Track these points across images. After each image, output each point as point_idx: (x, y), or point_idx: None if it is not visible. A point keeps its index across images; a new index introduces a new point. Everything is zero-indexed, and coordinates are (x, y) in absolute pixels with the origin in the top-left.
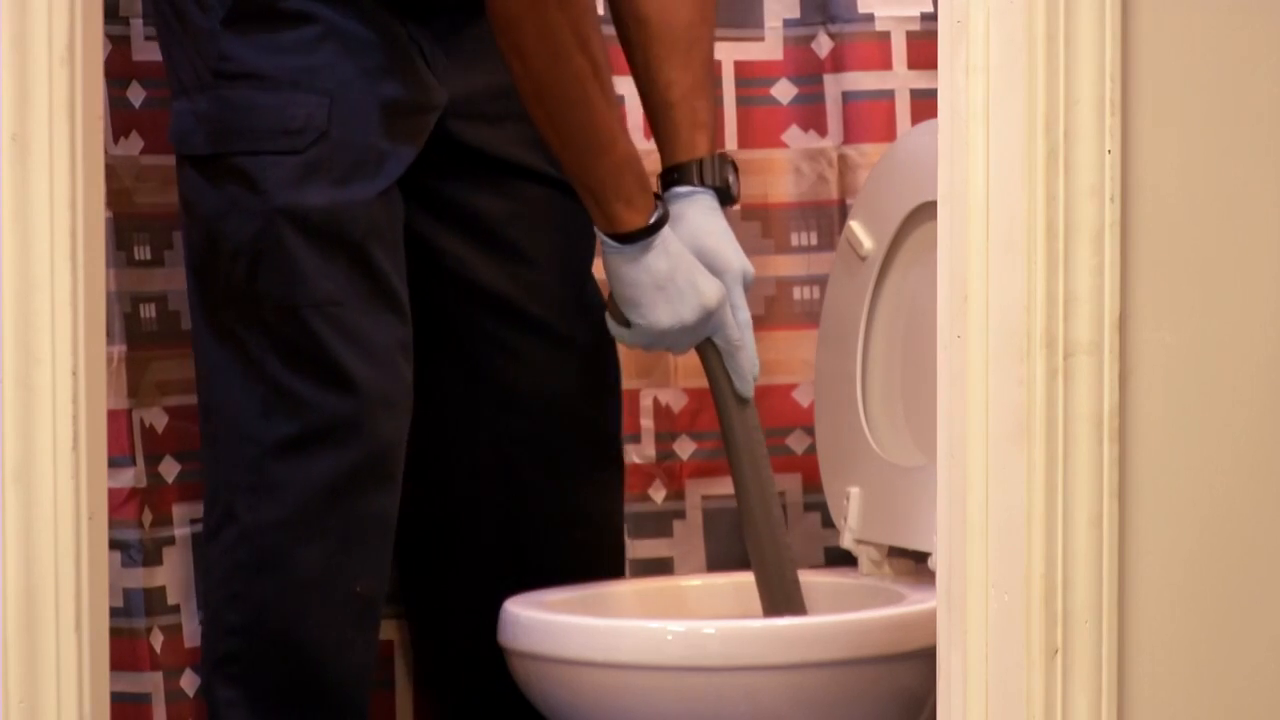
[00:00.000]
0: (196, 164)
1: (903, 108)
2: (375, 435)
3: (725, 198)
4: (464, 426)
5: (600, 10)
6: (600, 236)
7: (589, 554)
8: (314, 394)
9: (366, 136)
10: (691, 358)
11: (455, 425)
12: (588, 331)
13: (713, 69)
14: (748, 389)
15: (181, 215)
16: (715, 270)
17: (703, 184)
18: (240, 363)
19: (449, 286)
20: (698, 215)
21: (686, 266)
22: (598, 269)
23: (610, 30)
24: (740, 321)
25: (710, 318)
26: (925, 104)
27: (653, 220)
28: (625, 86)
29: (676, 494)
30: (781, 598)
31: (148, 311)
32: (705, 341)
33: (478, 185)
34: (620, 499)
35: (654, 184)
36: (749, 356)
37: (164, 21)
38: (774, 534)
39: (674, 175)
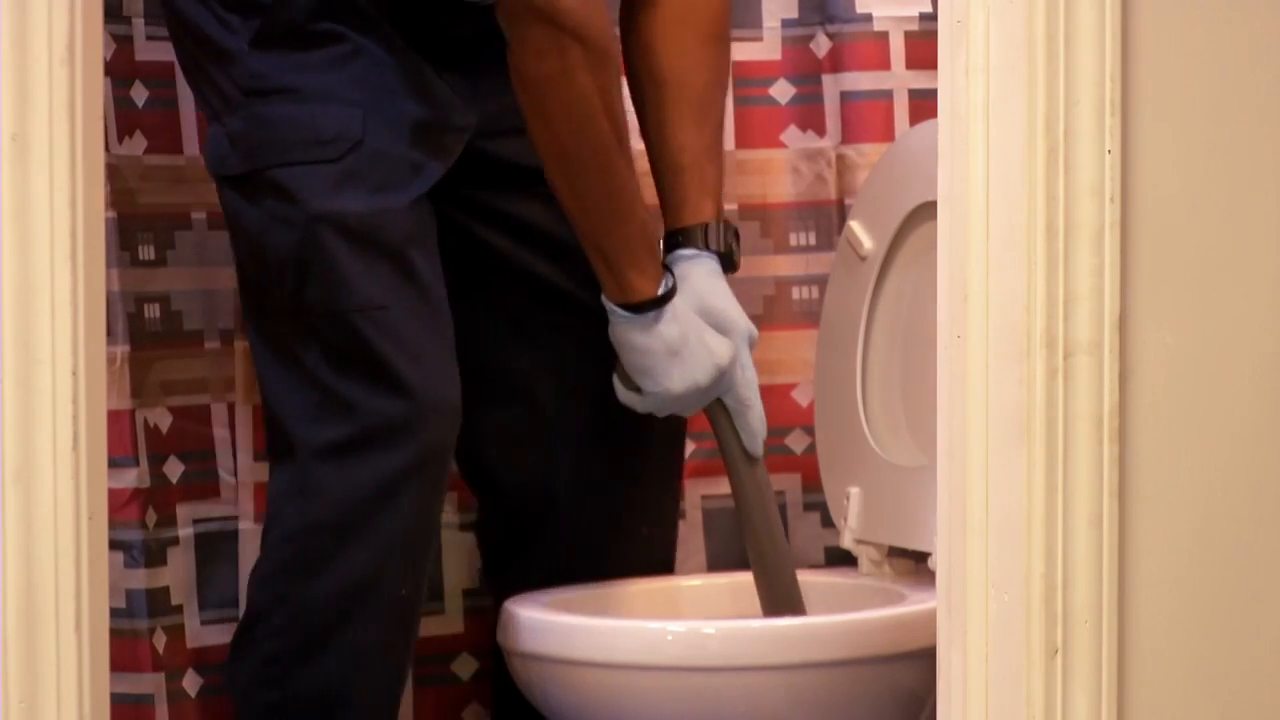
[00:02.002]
0: (234, 184)
1: (901, 108)
2: (425, 438)
3: (727, 264)
4: (531, 423)
5: None
6: (609, 307)
7: (652, 549)
8: (365, 397)
9: (398, 148)
10: None
11: (521, 422)
12: None
13: (723, 133)
14: (757, 447)
15: (229, 237)
16: (722, 331)
17: (707, 248)
18: (293, 371)
19: (511, 285)
20: (702, 278)
21: (697, 329)
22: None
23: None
24: (748, 380)
25: (723, 378)
26: (924, 104)
27: (663, 290)
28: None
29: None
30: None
31: (151, 312)
32: (714, 402)
33: (516, 193)
34: (680, 491)
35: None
36: (758, 415)
37: (189, 48)
38: (789, 592)
39: (678, 238)
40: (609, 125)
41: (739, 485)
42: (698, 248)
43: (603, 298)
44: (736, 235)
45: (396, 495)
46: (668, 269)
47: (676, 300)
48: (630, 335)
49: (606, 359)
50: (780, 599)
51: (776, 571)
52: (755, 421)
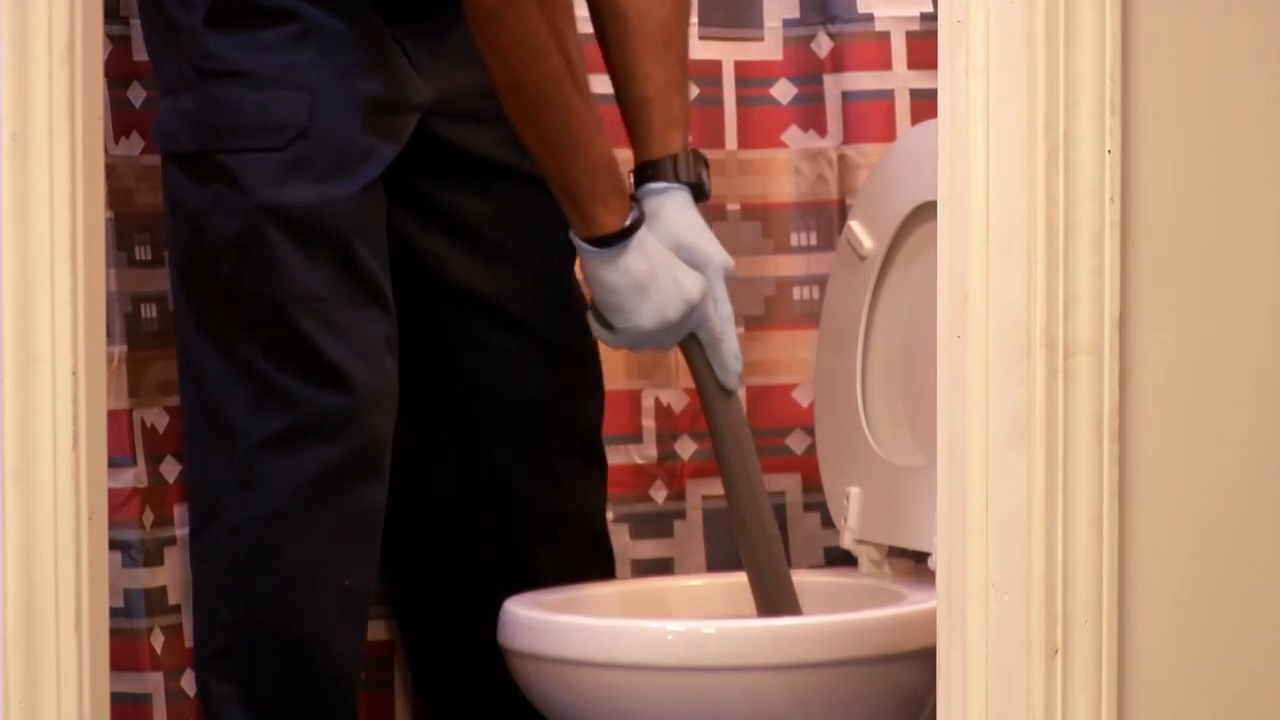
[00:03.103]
0: (181, 162)
1: (902, 108)
2: (365, 430)
3: (699, 194)
4: (447, 426)
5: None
6: (576, 242)
7: (575, 553)
8: (303, 390)
9: (347, 134)
10: None
11: (438, 425)
12: (569, 332)
13: (687, 64)
14: (732, 380)
15: (166, 214)
16: (695, 265)
17: (677, 180)
18: (228, 360)
19: (431, 287)
20: (673, 211)
21: (666, 263)
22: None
23: (586, 27)
24: (722, 315)
25: (693, 312)
26: (925, 104)
27: (629, 222)
28: (600, 85)
29: (677, 494)
30: (772, 589)
31: (149, 311)
32: (688, 336)
33: (460, 185)
34: (603, 497)
35: (627, 180)
36: (732, 349)
37: (149, 20)
38: (762, 524)
39: (648, 171)
40: (560, 57)
41: (713, 419)
42: (667, 180)
43: (570, 234)
44: (706, 164)
45: (339, 486)
46: (637, 202)
47: (645, 234)
48: (598, 271)
49: (529, 372)
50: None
51: (753, 508)
52: (729, 355)
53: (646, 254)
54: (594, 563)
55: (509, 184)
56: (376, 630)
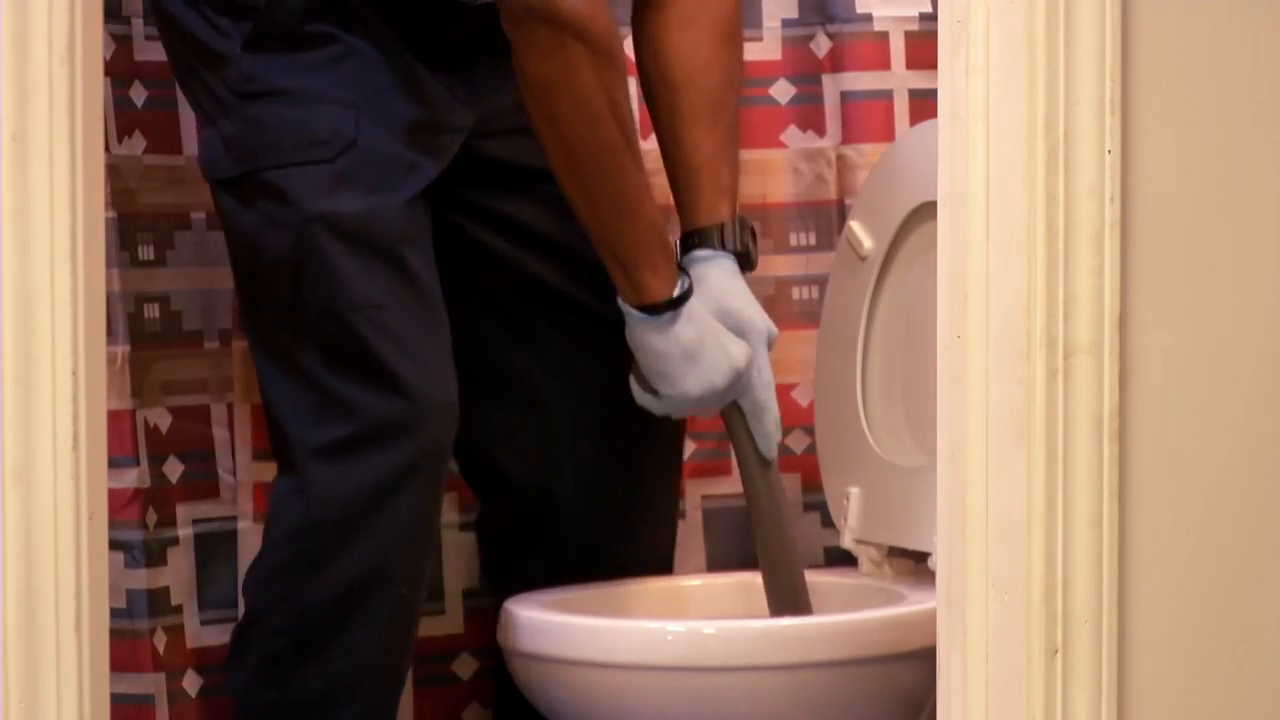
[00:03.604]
0: (229, 187)
1: (901, 108)
2: (423, 436)
3: (745, 263)
4: (532, 422)
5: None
6: (625, 309)
7: (650, 549)
8: (362, 397)
9: (393, 148)
10: None
11: (523, 421)
12: None
13: (738, 132)
14: (772, 450)
15: (225, 240)
16: (740, 332)
17: (724, 248)
18: (291, 373)
19: (508, 284)
20: (719, 278)
21: (714, 332)
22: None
23: (634, 91)
24: (765, 381)
25: (740, 380)
26: (924, 104)
27: (679, 291)
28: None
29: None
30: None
31: (151, 312)
32: (730, 404)
33: (514, 195)
34: (679, 492)
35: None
36: (773, 418)
37: (177, 56)
38: (797, 597)
39: (694, 239)
40: (615, 125)
41: (752, 488)
42: (714, 248)
43: (619, 300)
44: (754, 234)
45: (395, 494)
46: (684, 270)
47: (693, 302)
48: (646, 338)
49: (608, 359)
50: (788, 603)
51: (786, 575)
52: (770, 424)
53: (695, 321)
54: (662, 561)
55: (555, 185)
56: None
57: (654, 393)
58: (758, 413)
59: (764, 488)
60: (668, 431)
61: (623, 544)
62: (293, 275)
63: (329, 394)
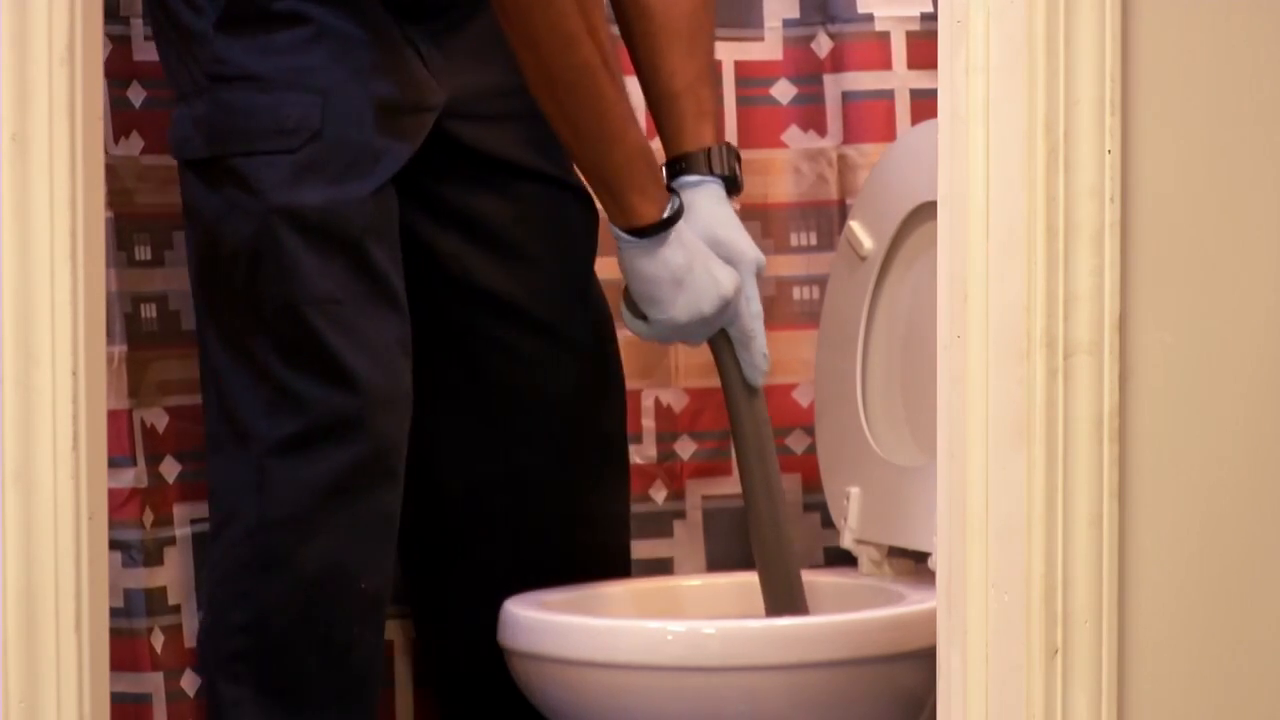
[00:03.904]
0: (195, 168)
1: (902, 108)
2: (378, 432)
3: (732, 186)
4: (467, 428)
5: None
6: (615, 233)
7: (593, 556)
8: (317, 392)
9: (360, 135)
10: (693, 357)
11: (458, 427)
12: (589, 332)
13: (714, 58)
14: (759, 379)
15: (184, 221)
16: (729, 260)
17: (711, 173)
18: (244, 364)
19: (450, 288)
20: (708, 205)
21: (702, 257)
22: (602, 269)
23: (612, 24)
24: (753, 311)
25: (727, 308)
26: (925, 104)
27: (669, 213)
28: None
29: (677, 494)
30: (783, 592)
31: (148, 312)
32: (718, 332)
33: (477, 186)
34: (626, 501)
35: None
36: (761, 346)
37: (159, 29)
38: (778, 525)
39: (680, 165)
40: (592, 45)
41: (737, 417)
42: (701, 173)
43: (610, 225)
44: (738, 156)
45: (351, 489)
46: (675, 194)
47: (683, 227)
48: (636, 261)
49: (551, 372)
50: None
51: (770, 508)
52: (758, 354)
53: (684, 246)
54: (611, 567)
55: (526, 184)
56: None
57: (643, 318)
58: (745, 340)
59: (749, 417)
60: (615, 442)
61: (563, 554)
62: (251, 265)
63: (283, 388)
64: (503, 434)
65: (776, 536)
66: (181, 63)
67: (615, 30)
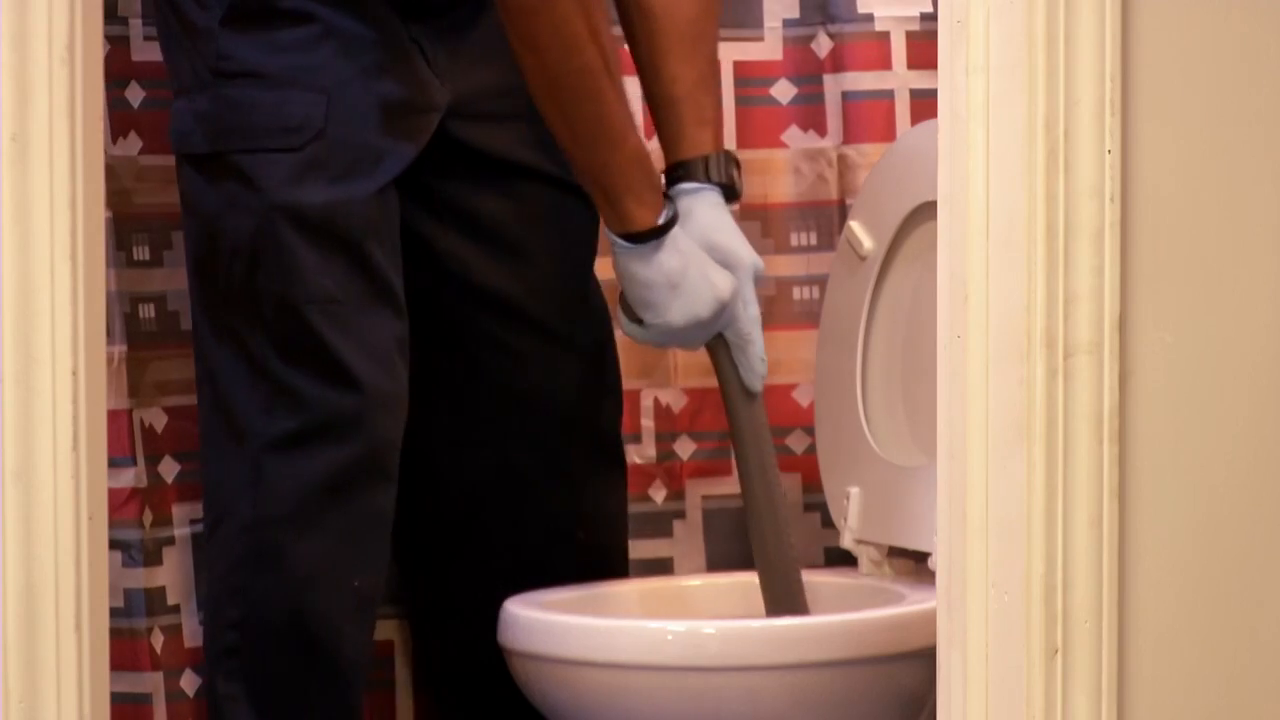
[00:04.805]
0: (195, 163)
1: (902, 108)
2: (374, 432)
3: (730, 194)
4: (464, 427)
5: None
6: (611, 238)
7: (590, 556)
8: (314, 390)
9: (364, 135)
10: (692, 357)
11: (456, 425)
12: (587, 332)
13: (718, 64)
14: (757, 383)
15: (182, 215)
16: (726, 265)
17: (709, 180)
18: (241, 360)
19: (449, 287)
20: (705, 211)
21: (699, 262)
22: (600, 269)
23: (615, 25)
24: (750, 316)
25: (724, 311)
26: (925, 104)
27: (664, 219)
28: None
29: (677, 494)
30: (784, 594)
31: (147, 311)
32: (715, 336)
33: (479, 185)
34: (623, 501)
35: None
36: (758, 350)
37: (164, 22)
38: (778, 530)
39: (679, 171)
40: (595, 49)
41: (735, 421)
42: (699, 180)
43: (604, 229)
44: (738, 164)
45: (346, 488)
46: (670, 200)
47: (678, 232)
48: (631, 266)
49: (547, 373)
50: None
51: (770, 510)
52: (755, 358)
53: (680, 251)
54: (608, 567)
55: (528, 184)
56: (380, 629)
57: (639, 322)
58: (742, 344)
59: (747, 422)
60: (612, 441)
61: (561, 553)
62: (250, 262)
63: (280, 385)
64: (500, 432)
65: (776, 537)
66: (185, 57)
67: (618, 30)
